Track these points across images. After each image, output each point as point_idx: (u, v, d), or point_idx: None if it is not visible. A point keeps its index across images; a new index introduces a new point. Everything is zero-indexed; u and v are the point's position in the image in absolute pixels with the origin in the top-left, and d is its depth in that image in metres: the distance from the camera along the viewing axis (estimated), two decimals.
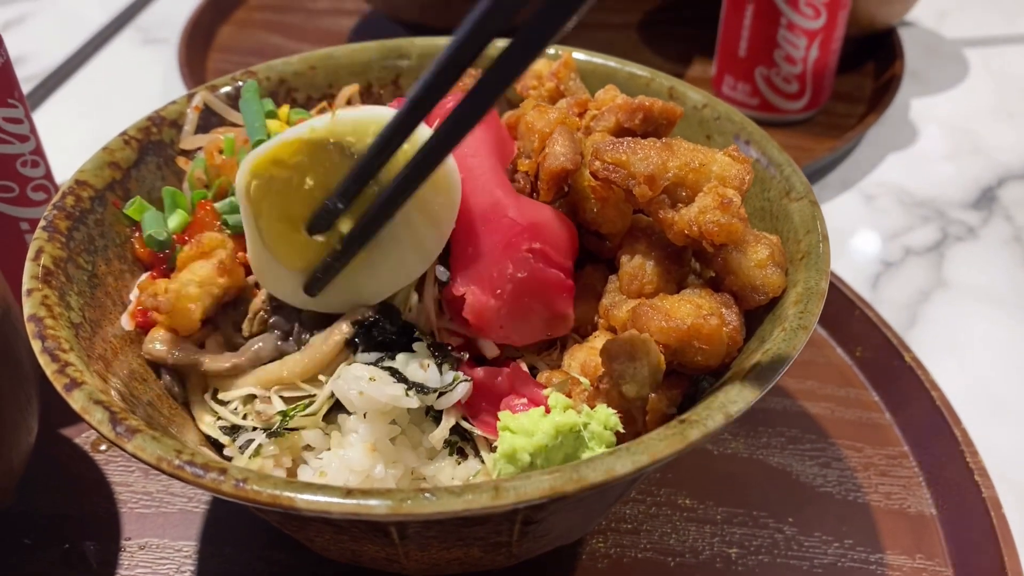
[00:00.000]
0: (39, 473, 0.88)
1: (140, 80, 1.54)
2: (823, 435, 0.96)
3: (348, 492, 0.52)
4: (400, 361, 0.69)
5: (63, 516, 0.86)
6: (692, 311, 0.65)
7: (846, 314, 1.06)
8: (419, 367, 0.68)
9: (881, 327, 1.02)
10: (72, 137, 1.16)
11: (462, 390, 0.69)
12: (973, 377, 1.05)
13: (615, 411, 0.63)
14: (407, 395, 0.67)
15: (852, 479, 0.92)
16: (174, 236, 0.78)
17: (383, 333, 0.70)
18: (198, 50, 1.54)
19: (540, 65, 0.89)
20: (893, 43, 1.54)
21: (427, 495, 0.52)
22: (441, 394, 0.68)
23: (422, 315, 0.73)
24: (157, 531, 0.86)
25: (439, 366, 0.69)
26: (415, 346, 0.70)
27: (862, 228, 1.27)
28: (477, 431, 0.70)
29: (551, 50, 0.94)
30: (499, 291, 0.71)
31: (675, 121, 0.76)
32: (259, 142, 0.79)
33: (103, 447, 0.92)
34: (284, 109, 0.84)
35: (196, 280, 0.70)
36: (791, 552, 0.85)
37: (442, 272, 0.73)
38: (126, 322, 0.72)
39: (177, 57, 1.48)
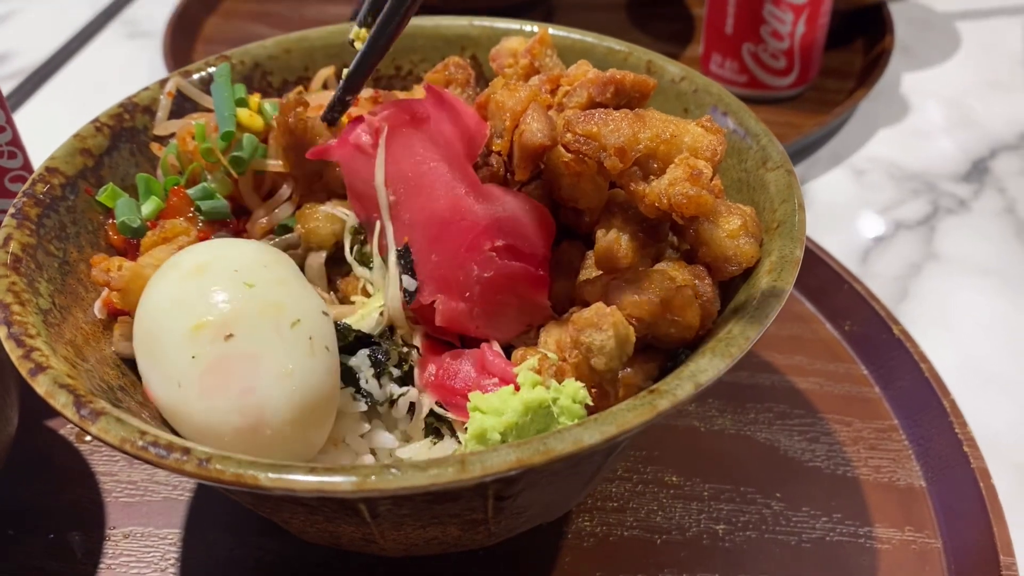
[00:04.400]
0: (23, 464, 0.88)
1: (126, 74, 1.54)
2: (812, 410, 0.95)
3: (312, 469, 0.52)
4: (358, 359, 0.70)
5: (47, 507, 0.86)
6: (665, 284, 0.65)
7: (834, 288, 1.05)
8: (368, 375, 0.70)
9: (870, 301, 1.02)
10: (58, 132, 1.16)
11: (403, 407, 0.70)
12: (964, 349, 1.04)
13: (584, 385, 0.62)
14: (354, 398, 0.68)
15: (841, 453, 0.91)
16: (148, 223, 0.78)
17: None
18: (183, 42, 1.54)
19: (515, 43, 0.88)
20: (883, 17, 1.52)
21: (392, 471, 0.52)
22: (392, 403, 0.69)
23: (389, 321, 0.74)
24: (142, 520, 0.85)
25: (377, 378, 0.70)
26: (356, 357, 0.70)
27: (852, 203, 1.26)
28: (451, 416, 0.69)
29: (528, 27, 0.93)
30: (468, 294, 0.70)
31: (648, 93, 0.75)
32: (228, 134, 0.78)
33: (87, 437, 0.92)
34: (255, 98, 0.83)
35: (155, 264, 0.69)
36: (779, 527, 0.85)
37: (409, 282, 0.71)
38: (98, 309, 0.72)
39: (162, 50, 1.48)
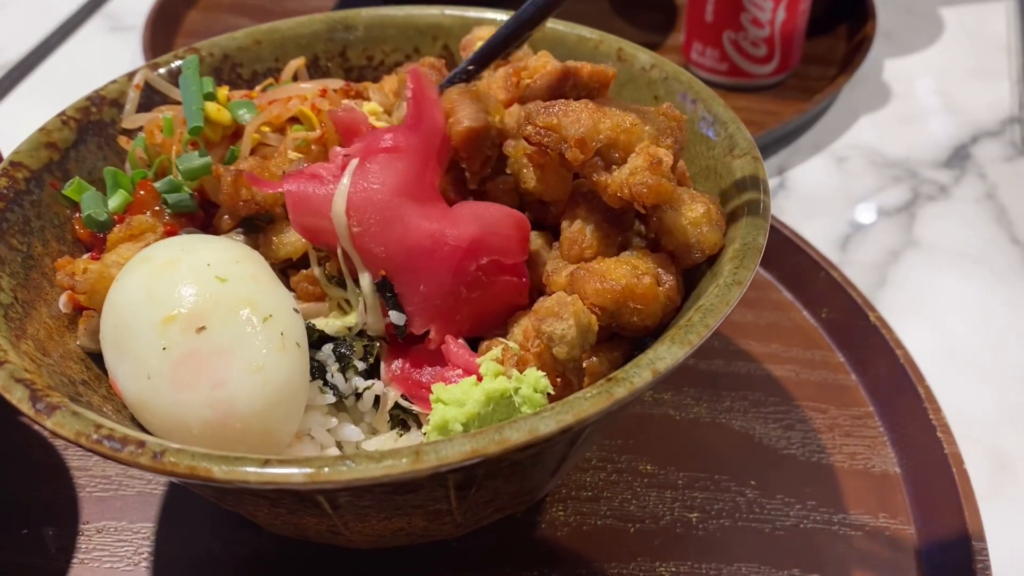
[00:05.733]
0: None
1: (107, 68, 1.52)
2: (787, 397, 0.95)
3: (265, 462, 0.52)
4: (324, 353, 0.70)
5: (21, 502, 0.86)
6: (627, 272, 0.64)
7: (812, 276, 1.05)
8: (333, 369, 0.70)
9: (847, 288, 1.01)
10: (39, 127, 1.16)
11: (369, 400, 0.70)
12: (940, 335, 1.04)
13: (545, 374, 0.62)
14: (322, 391, 0.68)
15: (816, 440, 0.91)
16: (115, 216, 0.77)
17: None
18: (164, 36, 1.53)
19: (486, 32, 0.87)
20: (865, 3, 1.52)
21: (347, 462, 0.52)
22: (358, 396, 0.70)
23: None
24: (115, 514, 0.85)
25: (343, 372, 0.70)
26: (322, 351, 0.71)
27: (833, 190, 1.26)
28: (416, 408, 0.69)
29: (499, 16, 0.93)
30: (459, 317, 0.70)
31: (607, 83, 0.74)
32: (196, 129, 0.78)
33: None
34: (223, 91, 0.83)
35: (120, 262, 0.69)
36: (752, 515, 0.85)
37: (398, 317, 0.70)
38: (63, 304, 0.72)
39: (142, 44, 1.47)
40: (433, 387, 0.63)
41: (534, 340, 0.63)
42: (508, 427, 0.53)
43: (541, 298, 0.73)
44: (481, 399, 0.61)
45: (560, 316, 0.60)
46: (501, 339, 0.68)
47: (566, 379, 0.64)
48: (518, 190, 0.75)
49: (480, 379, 0.64)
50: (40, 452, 0.90)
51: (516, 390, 0.61)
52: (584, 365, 0.66)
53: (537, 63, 0.77)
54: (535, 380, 0.61)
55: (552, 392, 0.62)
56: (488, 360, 0.65)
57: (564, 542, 0.83)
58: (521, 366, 0.64)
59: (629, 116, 0.66)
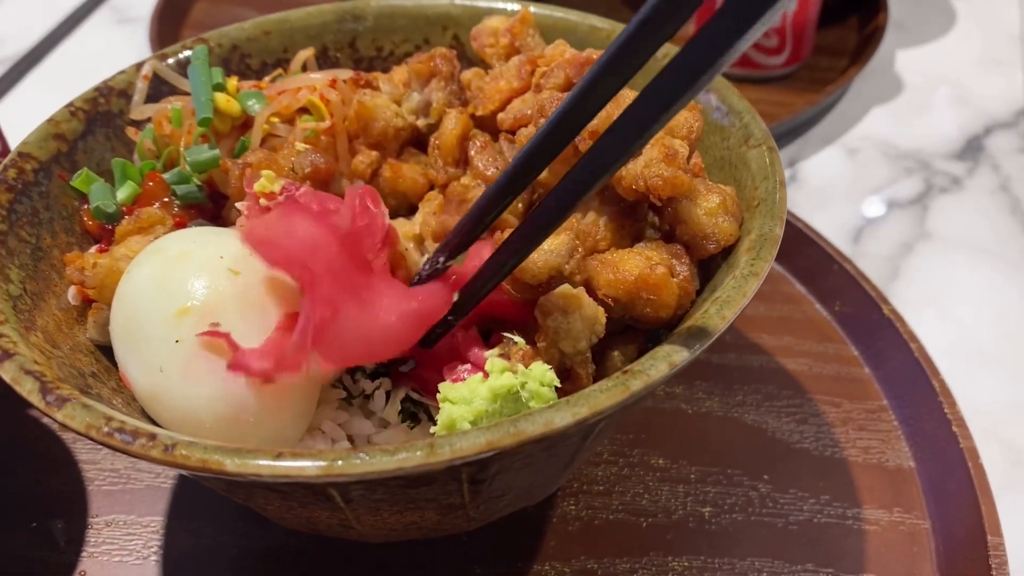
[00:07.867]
0: (5, 453, 0.88)
1: (113, 60, 1.51)
2: (800, 391, 0.94)
3: (278, 455, 0.51)
4: None
5: (30, 496, 0.86)
6: (640, 263, 0.64)
7: (825, 269, 1.04)
8: None
9: (860, 281, 1.01)
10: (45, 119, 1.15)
11: (380, 398, 0.69)
12: (954, 327, 1.03)
13: (551, 367, 0.61)
14: (333, 386, 0.68)
15: (830, 434, 0.91)
16: (123, 208, 0.77)
17: None
18: (171, 28, 1.52)
19: (496, 22, 0.87)
20: None
21: (360, 455, 0.51)
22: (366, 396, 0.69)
23: None
24: (124, 508, 0.85)
25: (351, 374, 0.70)
26: None
27: (844, 182, 1.25)
28: (426, 402, 0.69)
29: (510, 6, 0.92)
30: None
31: None
32: (205, 120, 0.77)
33: None
34: (232, 81, 0.82)
35: (129, 255, 0.68)
36: (765, 509, 0.84)
37: (407, 365, 0.70)
38: (72, 296, 0.71)
39: (148, 36, 1.46)
40: (440, 386, 0.62)
41: (540, 334, 0.62)
42: (523, 420, 0.53)
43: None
44: (487, 396, 0.60)
45: (565, 309, 0.59)
46: (506, 334, 0.67)
47: (575, 372, 0.63)
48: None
49: (487, 376, 0.63)
50: (49, 445, 0.90)
51: (523, 385, 0.60)
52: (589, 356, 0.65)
53: (553, 52, 0.76)
54: (541, 374, 0.60)
55: (559, 385, 0.61)
56: (493, 356, 0.64)
57: (576, 536, 0.82)
58: (528, 361, 0.63)
59: None
